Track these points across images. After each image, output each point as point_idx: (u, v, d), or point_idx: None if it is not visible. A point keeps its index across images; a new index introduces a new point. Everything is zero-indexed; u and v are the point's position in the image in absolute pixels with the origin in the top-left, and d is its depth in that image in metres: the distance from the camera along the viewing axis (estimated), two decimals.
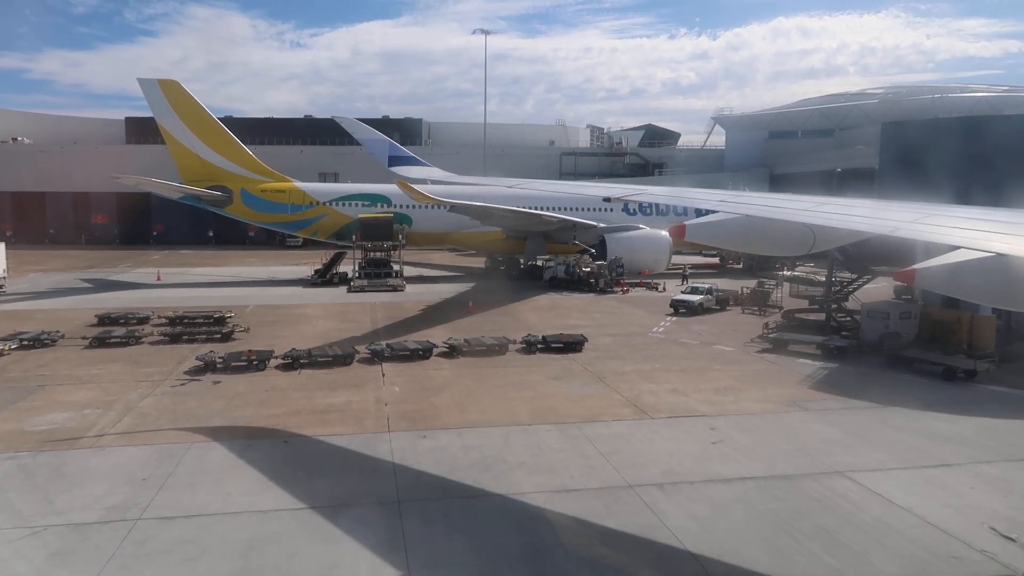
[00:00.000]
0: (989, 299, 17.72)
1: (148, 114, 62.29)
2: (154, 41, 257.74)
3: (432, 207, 58.60)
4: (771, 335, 36.69)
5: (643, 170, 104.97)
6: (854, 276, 38.46)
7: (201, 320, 38.62)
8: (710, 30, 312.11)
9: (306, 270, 61.68)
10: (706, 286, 47.38)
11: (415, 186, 53.20)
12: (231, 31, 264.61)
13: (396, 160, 76.38)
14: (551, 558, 15.38)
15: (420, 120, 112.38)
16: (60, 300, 47.90)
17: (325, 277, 57.33)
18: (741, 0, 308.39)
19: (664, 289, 53.70)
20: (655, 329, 40.19)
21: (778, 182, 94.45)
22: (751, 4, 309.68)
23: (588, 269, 55.01)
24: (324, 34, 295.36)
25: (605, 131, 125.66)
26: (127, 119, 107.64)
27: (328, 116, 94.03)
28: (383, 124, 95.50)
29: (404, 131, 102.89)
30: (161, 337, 35.97)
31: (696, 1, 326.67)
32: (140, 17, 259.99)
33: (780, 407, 26.29)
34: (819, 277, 42.83)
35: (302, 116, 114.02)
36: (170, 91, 58.49)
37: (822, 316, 39.12)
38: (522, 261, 62.16)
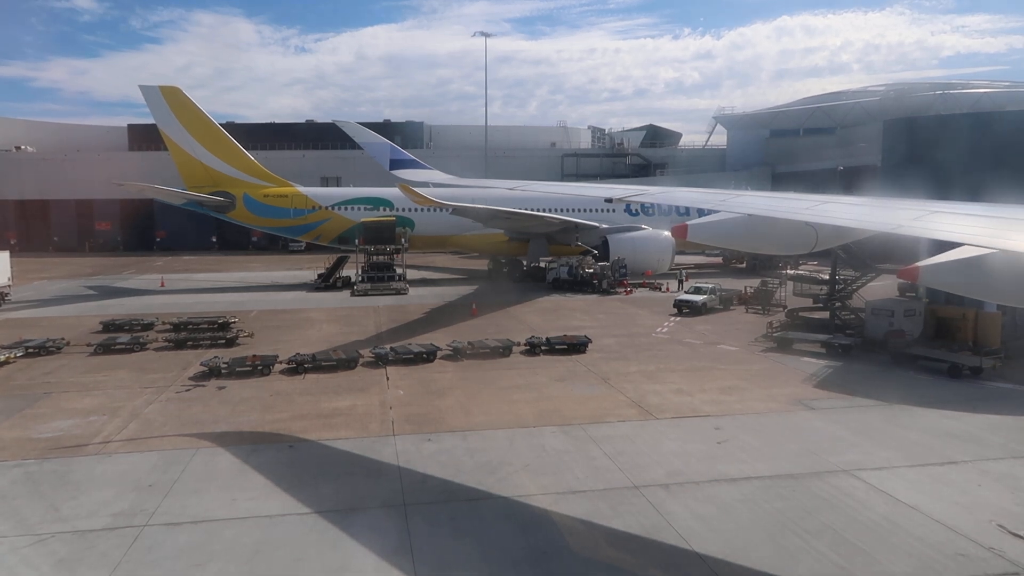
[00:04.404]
0: (993, 296, 17.66)
1: (151, 121, 62.50)
2: (159, 48, 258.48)
3: (434, 210, 58.68)
4: (775, 334, 36.64)
5: (645, 170, 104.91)
6: (858, 274, 38.38)
7: (205, 326, 38.69)
8: (714, 30, 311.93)
9: (309, 274, 61.82)
10: (709, 286, 47.31)
11: (417, 189, 53.32)
12: (236, 37, 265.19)
13: (398, 163, 76.48)
14: (557, 560, 15.37)
15: (421, 123, 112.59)
16: (65, 307, 48.01)
17: (328, 281, 57.30)
18: None
19: (667, 289, 53.64)
20: (659, 329, 40.16)
21: (780, 181, 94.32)
22: (755, 3, 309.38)
23: (591, 270, 54.90)
24: (329, 39, 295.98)
25: (606, 132, 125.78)
26: (129, 126, 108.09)
27: (330, 120, 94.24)
28: (384, 128, 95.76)
29: (405, 135, 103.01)
30: (165, 343, 36.08)
31: (700, 1, 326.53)
32: (145, 24, 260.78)
33: (785, 406, 26.24)
34: (823, 275, 42.74)
35: (304, 121, 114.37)
36: (172, 97, 58.62)
37: (826, 314, 39.03)
38: (525, 263, 62.12)
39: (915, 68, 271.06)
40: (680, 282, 55.70)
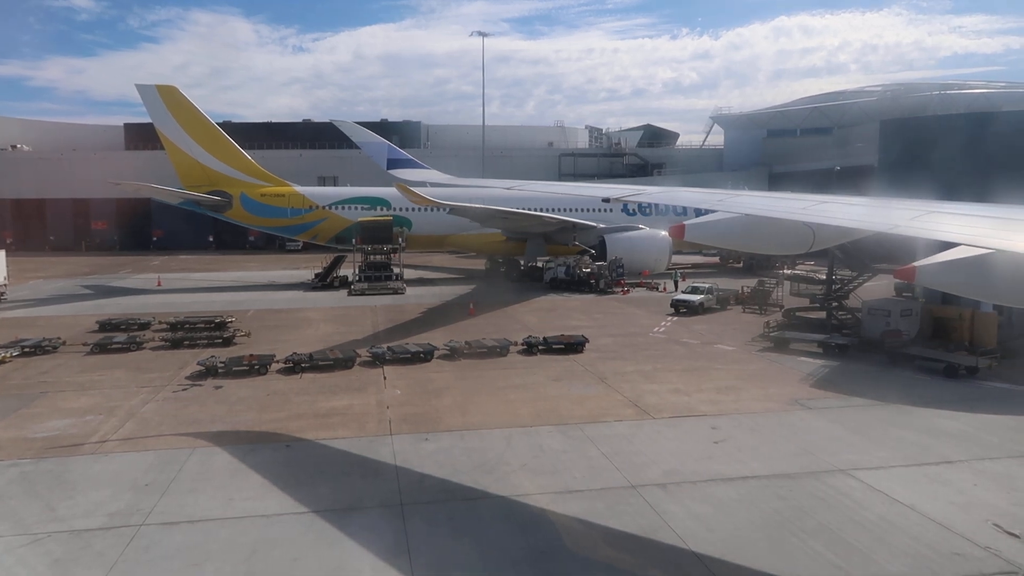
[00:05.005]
0: (989, 296, 17.69)
1: (147, 120, 62.36)
2: (157, 47, 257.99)
3: (431, 209, 58.67)
4: (772, 334, 36.68)
5: (642, 170, 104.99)
6: (854, 274, 38.44)
7: (202, 325, 38.59)
8: (712, 30, 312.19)
9: (306, 274, 61.72)
10: (706, 285, 47.37)
11: (414, 189, 53.27)
12: (234, 36, 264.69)
13: (395, 163, 76.40)
14: (554, 560, 15.37)
15: (419, 123, 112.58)
16: (61, 307, 47.90)
17: (325, 281, 57.28)
18: None
19: (664, 289, 53.69)
20: (656, 329, 40.19)
21: (777, 181, 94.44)
22: (753, 3, 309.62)
23: (588, 270, 54.98)
24: (326, 38, 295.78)
25: (604, 132, 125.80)
26: (126, 125, 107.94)
27: (327, 120, 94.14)
28: (382, 127, 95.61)
29: (403, 134, 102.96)
30: (162, 343, 36.02)
31: (698, 1, 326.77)
32: (143, 24, 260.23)
33: (782, 406, 26.27)
34: (819, 275, 42.82)
35: (301, 120, 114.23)
36: (168, 97, 58.51)
37: (823, 314, 39.09)
38: (522, 262, 62.16)
39: (912, 68, 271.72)
40: (675, 282, 55.63)
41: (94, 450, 21.62)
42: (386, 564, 15.08)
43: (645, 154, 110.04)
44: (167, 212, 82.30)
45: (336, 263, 59.43)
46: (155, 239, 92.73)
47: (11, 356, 32.68)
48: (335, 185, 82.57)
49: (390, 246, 56.81)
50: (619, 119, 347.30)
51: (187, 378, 29.77)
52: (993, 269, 12.24)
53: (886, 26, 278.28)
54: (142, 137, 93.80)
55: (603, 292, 52.69)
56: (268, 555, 15.49)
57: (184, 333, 37.18)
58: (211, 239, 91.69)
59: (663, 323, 41.87)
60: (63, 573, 14.79)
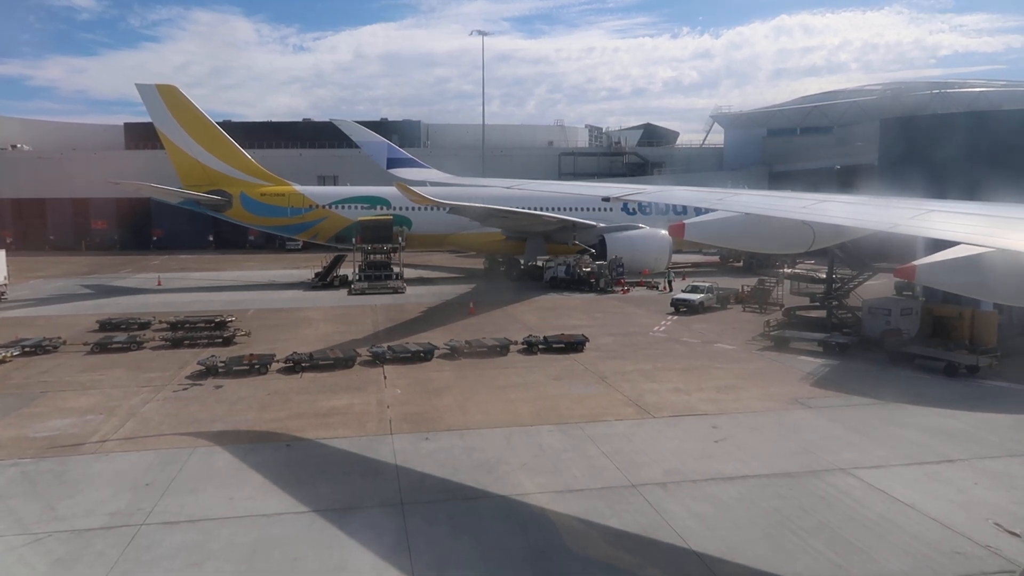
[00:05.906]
0: (990, 294, 17.69)
1: (148, 119, 62.31)
2: (158, 47, 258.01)
3: (431, 209, 58.64)
4: (772, 333, 36.68)
5: (642, 169, 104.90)
6: (855, 273, 38.44)
7: (202, 324, 38.62)
8: (713, 29, 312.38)
9: (306, 273, 61.69)
10: (706, 284, 47.36)
11: (414, 188, 53.25)
12: (234, 35, 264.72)
13: (395, 162, 76.34)
14: (555, 559, 15.38)
15: (419, 122, 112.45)
16: (61, 306, 47.90)
17: (325, 280, 57.28)
18: None
19: (665, 289, 53.68)
20: (656, 328, 40.18)
21: (777, 180, 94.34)
22: (753, 2, 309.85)
23: (588, 269, 54.96)
24: (327, 37, 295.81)
25: (604, 131, 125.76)
26: (126, 124, 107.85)
27: (327, 119, 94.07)
28: (381, 127, 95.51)
29: (403, 133, 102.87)
30: (162, 342, 36.03)
31: (699, 0, 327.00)
32: (144, 23, 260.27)
33: (782, 405, 26.28)
34: (820, 274, 42.81)
35: (301, 119, 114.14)
36: (168, 96, 58.48)
37: (823, 313, 39.09)
38: (522, 262, 62.11)
39: (913, 67, 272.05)
40: (670, 282, 55.37)
41: (95, 449, 21.63)
42: (386, 563, 15.09)
43: (645, 153, 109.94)
44: (167, 212, 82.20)
45: (336, 262, 59.41)
46: (155, 239, 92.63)
47: (11, 356, 32.68)
48: (335, 184, 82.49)
49: (390, 245, 56.78)
50: (619, 118, 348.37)
51: (187, 377, 29.77)
52: (993, 268, 12.25)
53: (887, 25, 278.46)
54: (142, 137, 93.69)
55: (603, 291, 52.65)
56: (269, 554, 15.50)
57: (184, 332, 37.19)
58: (211, 238, 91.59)
59: (663, 322, 41.87)
60: (64, 573, 14.81)
